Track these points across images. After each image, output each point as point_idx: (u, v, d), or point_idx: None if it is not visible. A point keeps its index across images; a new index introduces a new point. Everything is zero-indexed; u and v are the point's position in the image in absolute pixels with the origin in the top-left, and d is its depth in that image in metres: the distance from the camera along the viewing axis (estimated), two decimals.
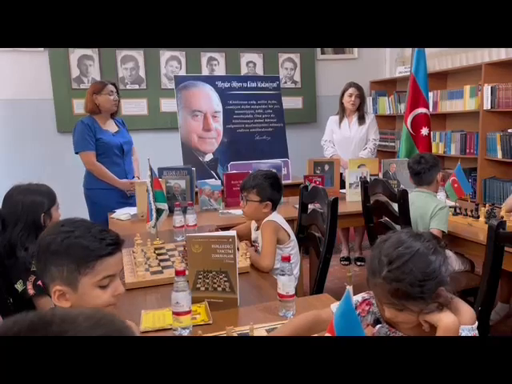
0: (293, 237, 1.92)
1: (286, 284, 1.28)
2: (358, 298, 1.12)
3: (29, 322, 0.45)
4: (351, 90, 3.56)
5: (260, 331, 1.18)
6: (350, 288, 0.76)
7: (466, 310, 1.02)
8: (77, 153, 2.83)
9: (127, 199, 2.94)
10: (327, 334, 0.80)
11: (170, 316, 1.25)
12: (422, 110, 3.54)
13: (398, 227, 2.11)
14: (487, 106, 3.63)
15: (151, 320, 1.30)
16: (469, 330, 0.98)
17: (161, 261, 1.79)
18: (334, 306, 1.11)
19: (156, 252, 1.89)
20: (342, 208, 2.47)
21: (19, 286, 1.52)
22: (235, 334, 1.16)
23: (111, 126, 2.91)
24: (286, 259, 1.29)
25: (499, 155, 3.59)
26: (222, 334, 1.16)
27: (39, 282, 1.49)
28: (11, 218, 1.59)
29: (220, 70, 4.54)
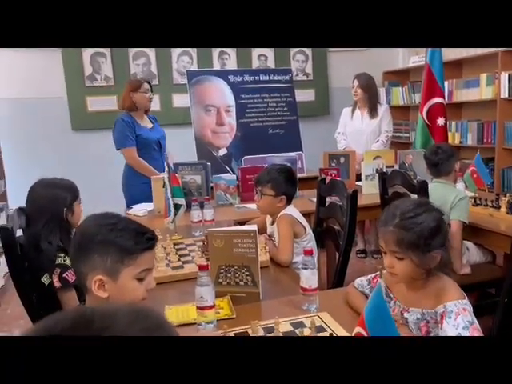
0: (309, 230, 1.91)
1: (309, 278, 1.27)
2: (372, 275, 1.27)
3: (71, 319, 0.45)
4: (354, 82, 3.54)
5: (285, 325, 1.18)
6: (381, 281, 0.75)
7: (454, 285, 1.14)
8: (118, 149, 2.91)
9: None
10: (358, 328, 0.79)
11: (194, 311, 1.26)
12: (437, 99, 3.48)
13: None
14: (505, 94, 3.55)
15: (175, 315, 1.30)
16: (461, 303, 1.08)
17: (180, 256, 1.80)
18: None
19: (175, 247, 1.89)
20: (358, 201, 2.44)
21: (45, 280, 1.54)
22: (260, 329, 1.16)
23: (147, 122, 3.00)
24: (309, 253, 1.28)
25: None
26: (247, 328, 1.16)
27: (65, 275, 1.51)
28: (35, 212, 1.61)
29: (231, 64, 4.52)
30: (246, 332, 1.15)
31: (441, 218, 1.14)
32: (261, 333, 1.15)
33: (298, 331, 1.09)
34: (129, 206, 2.87)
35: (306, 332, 1.11)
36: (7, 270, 3.44)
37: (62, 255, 1.55)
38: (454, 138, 4.16)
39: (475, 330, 1.03)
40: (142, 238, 1.02)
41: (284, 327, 1.16)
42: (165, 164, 3.04)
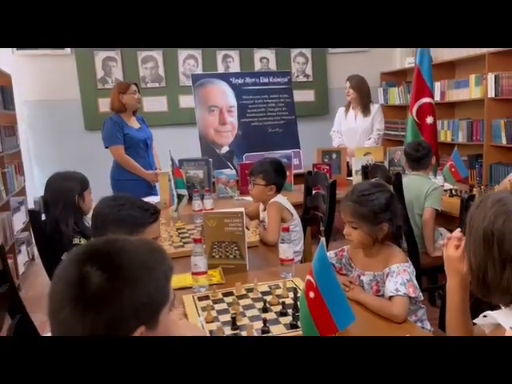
0: (295, 216, 2.16)
1: (286, 250, 1.53)
2: (339, 249, 1.53)
3: (105, 239, 0.72)
4: (346, 83, 3.78)
5: (263, 286, 1.44)
6: (323, 239, 1.00)
7: (399, 252, 1.38)
8: (107, 147, 3.12)
9: (151, 189, 3.21)
10: (308, 276, 1.04)
11: (190, 278, 1.52)
12: (426, 99, 3.70)
13: None
14: (491, 94, 3.75)
15: (175, 281, 1.55)
16: (402, 266, 1.32)
17: (182, 238, 2.06)
18: None
19: (178, 231, 2.16)
20: None
21: None
22: (243, 289, 1.42)
23: (134, 123, 3.20)
24: (286, 229, 1.54)
25: (504, 141, 3.72)
26: (232, 288, 1.42)
27: None
28: (53, 200, 1.89)
29: (235, 67, 4.76)
30: (232, 292, 1.41)
31: (391, 197, 1.39)
32: (243, 292, 1.41)
33: (272, 290, 1.35)
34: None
35: (279, 291, 1.37)
36: (27, 259, 3.73)
37: (78, 237, 1.83)
38: (446, 136, 4.36)
39: (411, 287, 1.27)
40: (146, 214, 1.29)
41: (262, 288, 1.42)
42: (155, 161, 3.27)
